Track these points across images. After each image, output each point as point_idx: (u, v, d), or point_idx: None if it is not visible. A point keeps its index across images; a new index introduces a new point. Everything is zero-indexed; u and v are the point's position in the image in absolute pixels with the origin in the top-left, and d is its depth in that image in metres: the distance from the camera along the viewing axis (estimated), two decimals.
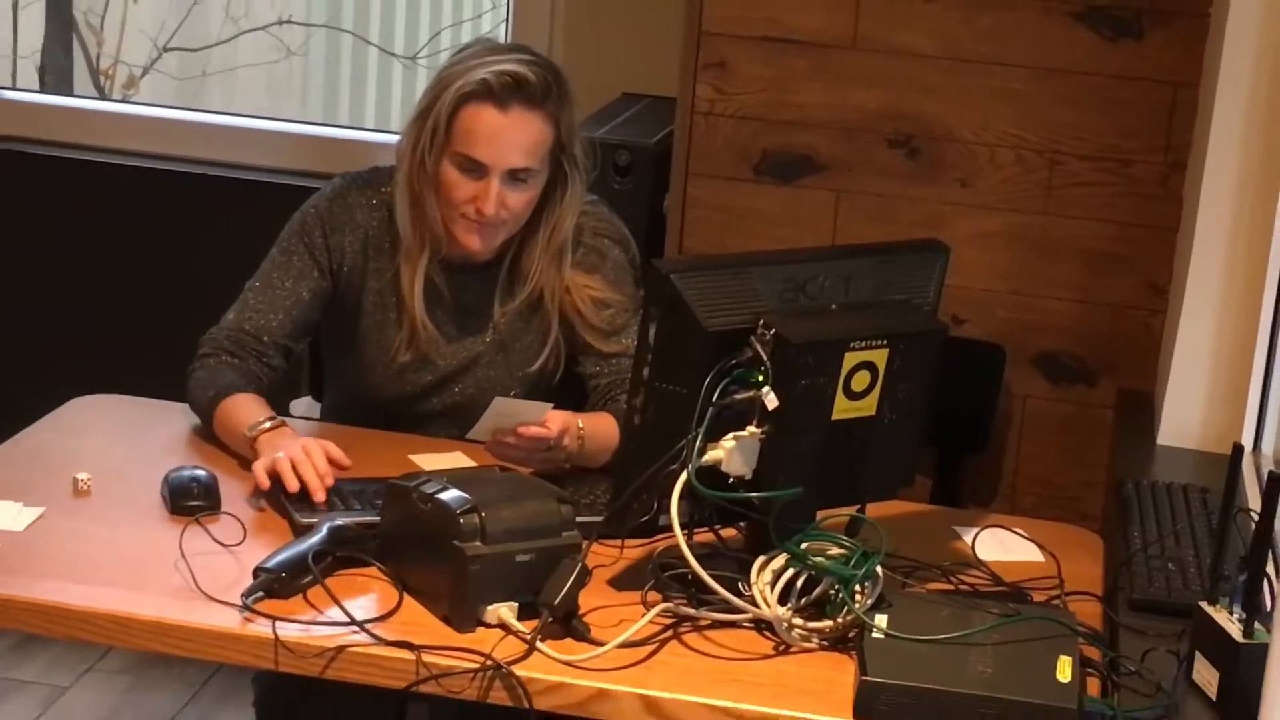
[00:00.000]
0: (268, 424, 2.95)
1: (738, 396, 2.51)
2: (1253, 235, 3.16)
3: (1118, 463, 3.23)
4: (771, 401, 2.50)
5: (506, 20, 4.29)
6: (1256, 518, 2.43)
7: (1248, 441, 3.01)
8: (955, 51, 3.43)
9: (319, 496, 2.77)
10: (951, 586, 2.71)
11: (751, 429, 2.52)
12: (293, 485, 2.77)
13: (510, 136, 3.00)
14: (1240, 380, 3.15)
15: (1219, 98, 3.18)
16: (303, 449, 2.83)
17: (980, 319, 3.43)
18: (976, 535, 2.88)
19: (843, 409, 2.58)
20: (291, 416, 3.22)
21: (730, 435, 2.52)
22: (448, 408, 3.16)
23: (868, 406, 2.60)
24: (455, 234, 3.05)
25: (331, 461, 2.82)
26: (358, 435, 3.04)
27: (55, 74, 5.26)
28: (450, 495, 2.54)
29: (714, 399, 2.51)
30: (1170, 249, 3.41)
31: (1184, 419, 3.23)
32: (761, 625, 2.54)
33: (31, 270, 4.38)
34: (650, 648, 2.49)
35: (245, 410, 3.00)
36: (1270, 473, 2.40)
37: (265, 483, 2.79)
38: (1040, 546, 2.85)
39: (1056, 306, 3.51)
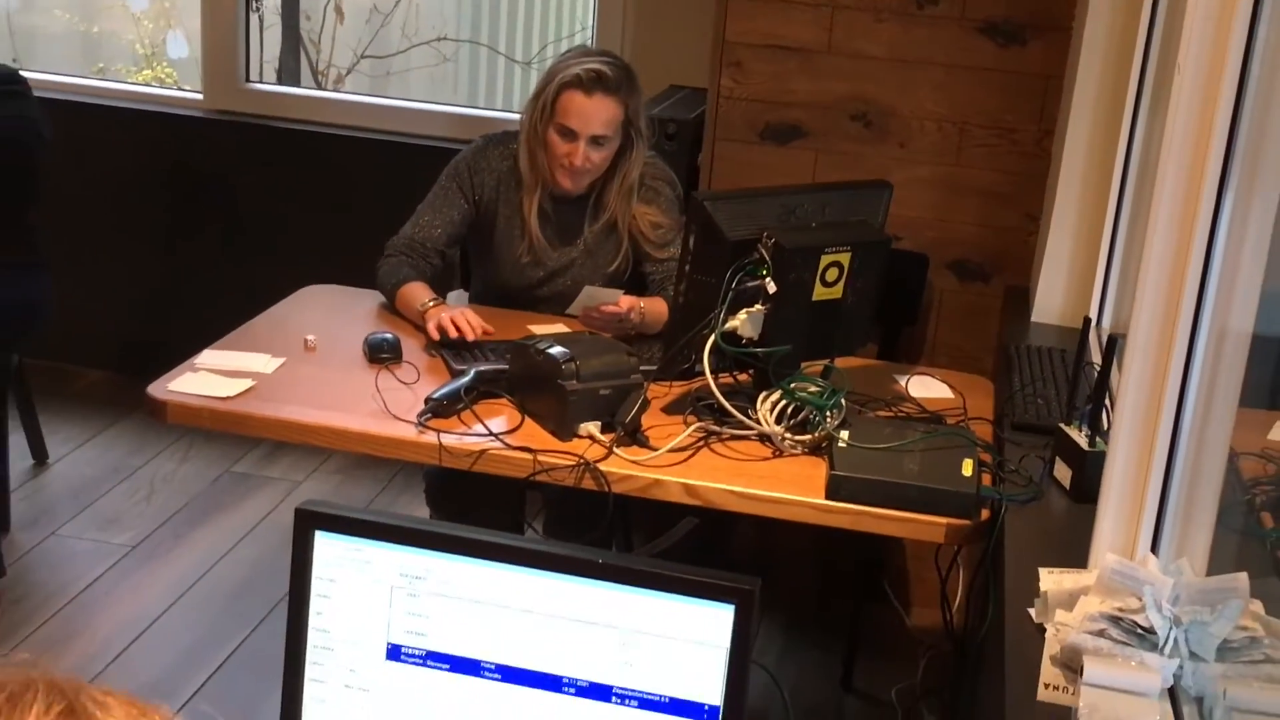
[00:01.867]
0: (432, 302, 2.96)
1: (749, 284, 2.50)
2: (1098, 181, 3.13)
3: (1004, 333, 3.21)
4: (771, 288, 2.49)
5: (593, 35, 4.27)
6: (1098, 368, 2.42)
7: (1094, 317, 2.98)
8: (898, 55, 3.39)
9: (471, 337, 2.79)
10: (891, 414, 2.70)
11: (758, 306, 2.51)
12: (453, 335, 2.80)
13: (593, 113, 2.98)
14: (1088, 277, 3.12)
15: (1077, 86, 3.15)
16: (459, 311, 2.86)
17: (912, 237, 3.40)
18: (908, 380, 2.86)
19: (819, 293, 2.56)
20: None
21: (744, 310, 2.51)
22: (553, 294, 3.15)
23: (837, 292, 2.58)
24: (556, 177, 3.04)
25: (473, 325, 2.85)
26: (493, 313, 3.04)
27: (288, 72, 5.24)
28: (556, 350, 2.54)
29: (733, 286, 2.50)
30: (1041, 190, 3.37)
31: (1050, 304, 3.21)
32: (763, 438, 2.54)
33: (272, 209, 4.39)
34: (689, 452, 2.50)
35: (417, 293, 3.00)
36: (1109, 337, 2.38)
37: (436, 335, 2.82)
38: (951, 388, 2.84)
39: (964, 229, 3.47)
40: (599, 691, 1.32)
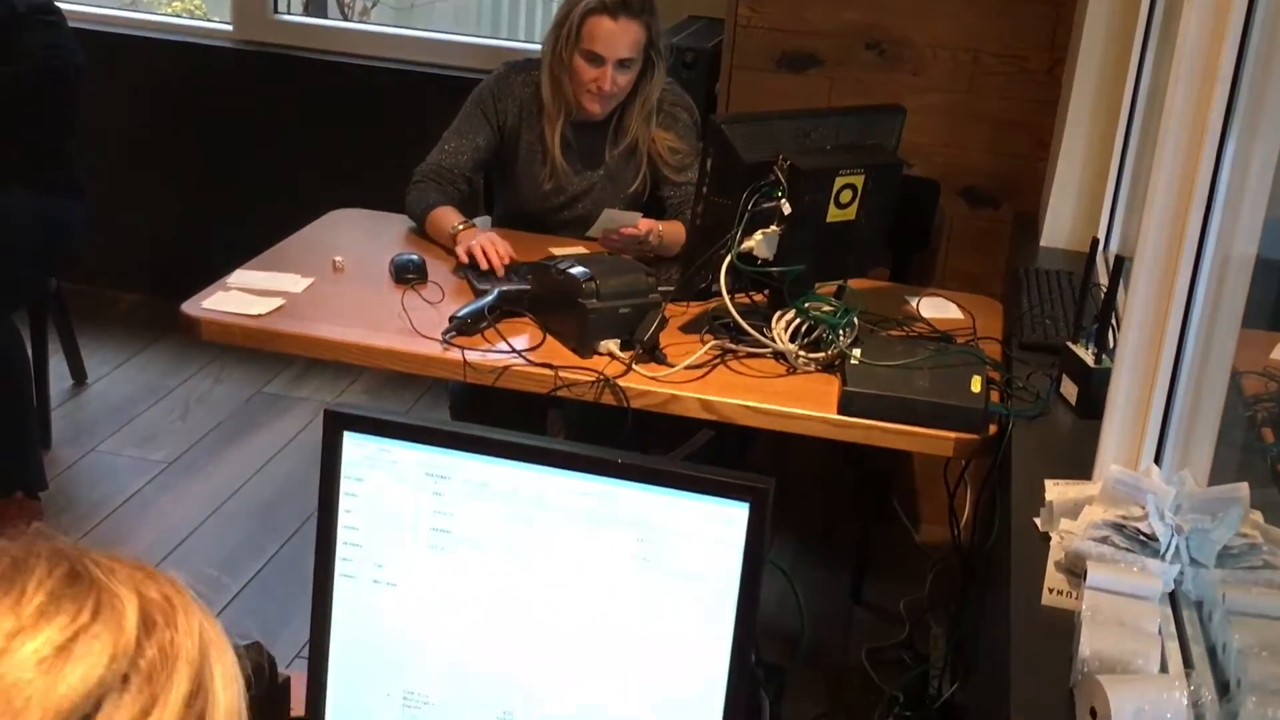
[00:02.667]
0: (461, 225, 2.95)
1: (764, 205, 2.48)
2: (1107, 108, 3.09)
3: (1013, 257, 3.19)
4: (786, 209, 2.47)
5: None
6: (1105, 288, 2.41)
7: (1101, 239, 2.96)
8: None
9: (500, 269, 2.78)
10: (903, 333, 2.69)
11: (773, 227, 2.50)
12: (484, 264, 2.79)
13: (619, 37, 2.95)
14: (1096, 202, 3.09)
15: (1088, 14, 3.10)
16: (488, 238, 2.84)
17: (925, 164, 3.36)
18: (919, 301, 2.85)
19: (833, 215, 2.54)
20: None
21: (759, 231, 2.49)
22: (574, 218, 3.14)
23: (850, 213, 2.56)
24: (583, 103, 3.01)
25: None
26: (515, 236, 3.03)
27: (315, 5, 5.20)
28: (577, 270, 2.54)
29: (749, 207, 2.48)
30: (1052, 117, 3.33)
31: (1058, 229, 3.18)
32: (778, 355, 2.54)
33: (300, 137, 4.37)
34: (705, 369, 2.50)
35: (447, 217, 2.99)
36: (1116, 258, 2.37)
37: (465, 260, 2.81)
38: (961, 308, 2.83)
39: (975, 156, 3.44)
40: (618, 584, 1.33)
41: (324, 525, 1.38)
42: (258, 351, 4.08)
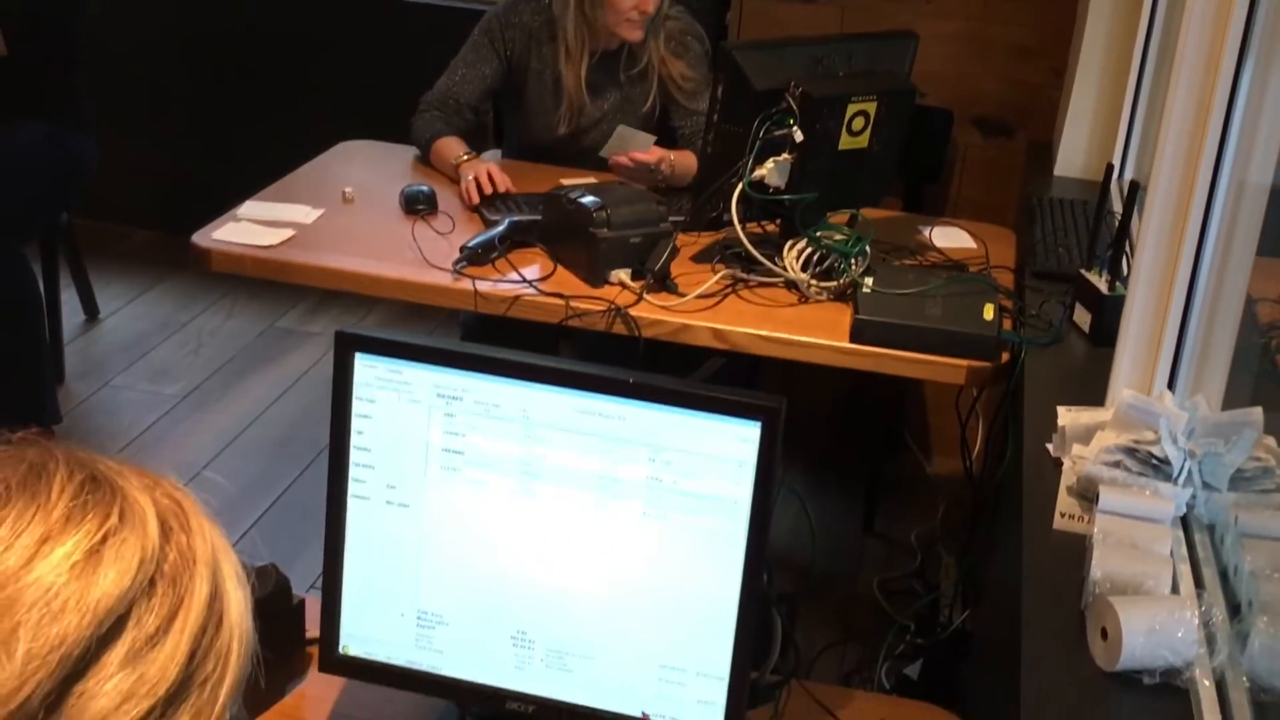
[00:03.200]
0: (466, 156, 2.94)
1: (776, 133, 2.47)
2: (1123, 35, 3.06)
3: (1027, 186, 3.17)
4: (798, 136, 2.45)
5: None
6: (1119, 215, 2.39)
7: (1116, 165, 2.93)
8: None
9: (494, 190, 2.77)
10: (915, 262, 2.68)
11: (785, 155, 2.48)
12: (489, 190, 2.77)
13: None
14: (1111, 131, 3.06)
15: None
16: (489, 168, 2.83)
17: (937, 93, 3.33)
18: (932, 230, 2.83)
19: (845, 143, 2.52)
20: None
21: (771, 159, 2.47)
22: (585, 148, 3.11)
23: (862, 141, 2.54)
24: (622, 32, 2.96)
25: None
26: (526, 168, 3.01)
27: None
28: (587, 199, 2.52)
29: (760, 135, 2.46)
30: (1066, 44, 3.29)
31: (1073, 158, 3.15)
32: (790, 284, 2.53)
33: (310, 68, 4.34)
34: (717, 299, 2.49)
35: (451, 147, 2.97)
36: (1131, 182, 2.35)
37: (472, 191, 2.80)
38: (974, 237, 2.81)
39: (988, 85, 3.41)
40: (630, 505, 1.33)
41: (336, 447, 1.38)
42: (270, 286, 4.08)
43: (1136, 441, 1.81)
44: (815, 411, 3.51)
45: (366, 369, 1.35)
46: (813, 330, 2.40)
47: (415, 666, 1.42)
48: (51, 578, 0.67)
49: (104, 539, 0.70)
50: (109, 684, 0.67)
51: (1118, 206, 2.59)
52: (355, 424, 1.37)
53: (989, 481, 2.83)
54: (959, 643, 2.71)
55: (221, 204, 2.80)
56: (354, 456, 1.38)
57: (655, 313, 2.42)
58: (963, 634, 2.72)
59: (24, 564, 0.67)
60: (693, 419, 1.29)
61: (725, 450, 1.29)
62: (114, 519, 0.71)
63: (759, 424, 1.28)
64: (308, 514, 3.22)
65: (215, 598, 0.73)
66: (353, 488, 1.39)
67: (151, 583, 0.70)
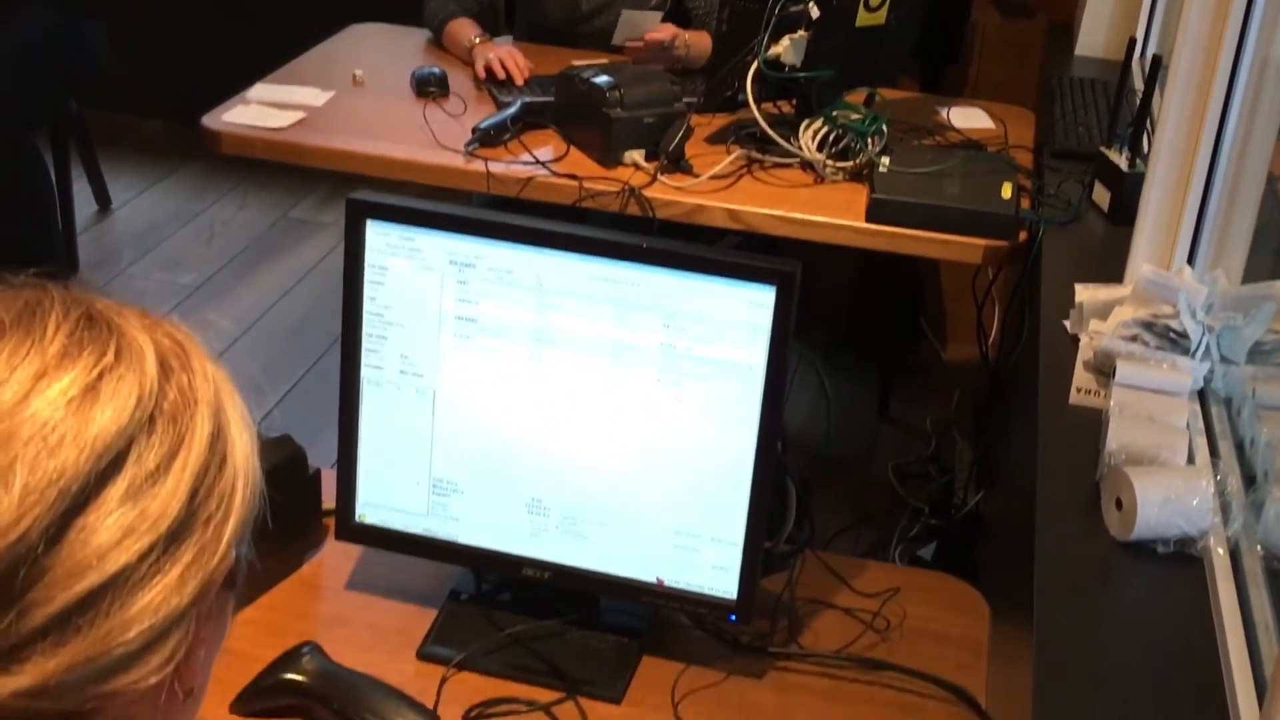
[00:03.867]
0: (479, 38, 2.90)
1: (792, 9, 2.42)
2: None
3: (1046, 67, 3.12)
4: (815, 12, 2.41)
5: None
6: (1140, 94, 2.36)
7: (1139, 41, 2.88)
8: None
9: (519, 80, 2.74)
10: (933, 142, 2.65)
11: (801, 32, 2.44)
12: (501, 75, 2.74)
13: None
14: (1133, 8, 3.01)
15: None
16: (506, 51, 2.80)
17: None
18: (950, 110, 2.80)
19: (863, 19, 2.48)
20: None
21: (787, 36, 2.43)
22: (595, 30, 3.06)
23: (879, 17, 2.50)
24: None
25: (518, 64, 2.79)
26: (538, 50, 2.97)
27: None
28: (601, 79, 2.49)
29: (776, 11, 2.42)
30: None
31: (1093, 37, 3.10)
32: (806, 165, 2.50)
33: None
34: (732, 179, 2.46)
35: (464, 29, 2.94)
36: (1154, 57, 2.31)
37: (483, 75, 2.76)
38: (992, 117, 2.77)
39: None
40: (645, 371, 1.32)
41: (349, 317, 1.38)
42: (282, 177, 4.07)
43: (1155, 315, 1.80)
44: (832, 300, 3.50)
45: (379, 236, 1.35)
46: (829, 210, 2.38)
47: (431, 534, 1.43)
48: (48, 413, 0.67)
49: (100, 376, 0.70)
50: (110, 519, 0.67)
51: (1139, 84, 2.56)
52: (368, 291, 1.36)
53: (1005, 365, 2.83)
54: (973, 525, 2.73)
55: (232, 93, 2.77)
56: (367, 326, 1.37)
57: (669, 194, 2.40)
58: (977, 516, 2.74)
59: (20, 399, 0.67)
60: (707, 284, 1.28)
61: (740, 315, 1.28)
62: (110, 356, 0.71)
63: (774, 289, 1.27)
64: (322, 403, 3.21)
65: (218, 438, 0.73)
66: (366, 357, 1.39)
67: (151, 420, 0.70)
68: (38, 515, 0.66)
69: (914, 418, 3.35)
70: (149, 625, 0.68)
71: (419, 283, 1.35)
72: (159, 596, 0.69)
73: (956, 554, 2.66)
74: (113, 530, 0.67)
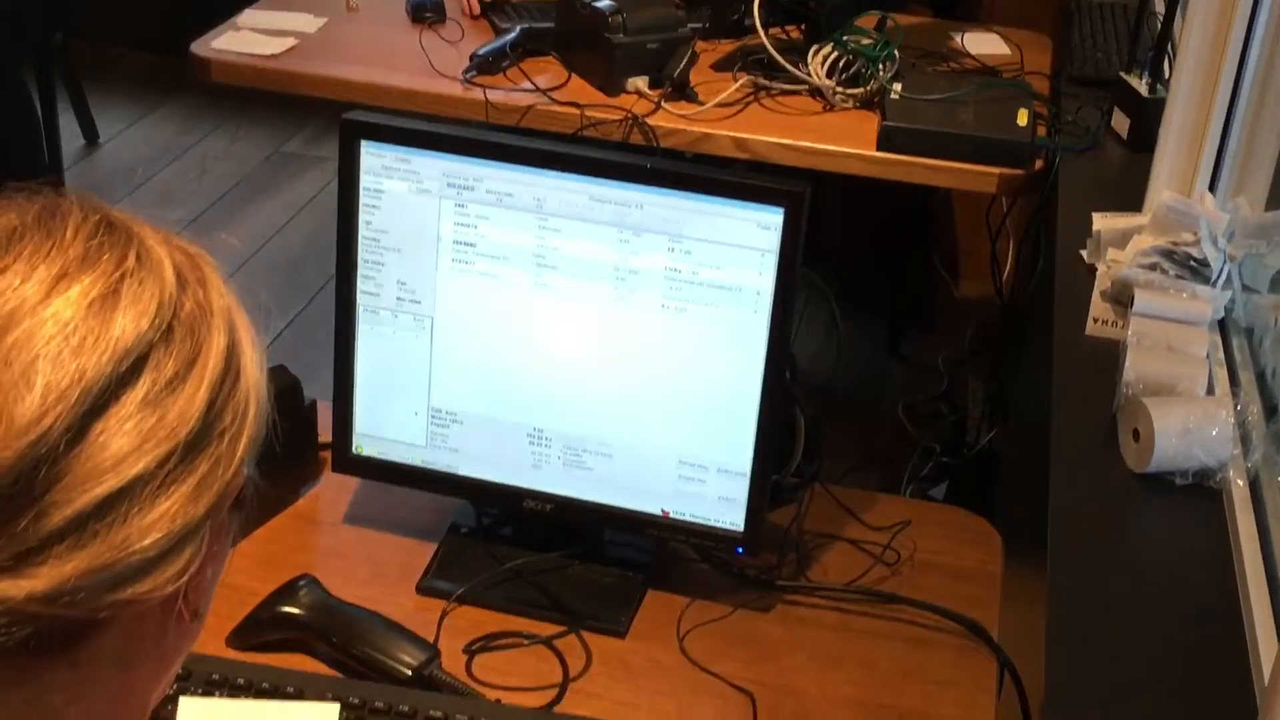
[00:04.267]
0: None
1: None
2: None
3: None
4: None
5: None
6: (1161, 16, 2.33)
7: None
8: None
9: None
10: (946, 68, 2.62)
11: None
12: None
13: None
14: None
15: None
16: None
17: None
18: (964, 36, 2.77)
19: None
20: None
21: None
22: None
23: None
24: None
25: None
26: None
27: None
28: (603, 3, 2.46)
29: None
30: None
31: None
32: (814, 92, 2.47)
33: None
34: (738, 107, 2.44)
35: None
36: None
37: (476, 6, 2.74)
38: (1008, 43, 2.74)
39: None
40: (649, 297, 1.31)
41: (344, 243, 1.37)
42: (274, 110, 4.04)
43: (1175, 243, 1.79)
44: (840, 236, 3.48)
45: (373, 158, 1.33)
46: (839, 139, 2.36)
47: (430, 465, 1.43)
48: (70, 313, 0.68)
49: (122, 278, 0.70)
50: (129, 424, 0.68)
51: (1160, 6, 2.53)
52: (363, 216, 1.35)
53: (1019, 300, 2.82)
54: (986, 463, 2.73)
55: (223, 23, 2.74)
56: (362, 251, 1.36)
57: (674, 122, 2.38)
58: (990, 454, 2.74)
59: (41, 299, 0.68)
60: (713, 206, 1.27)
61: (747, 238, 1.27)
62: (131, 261, 0.71)
63: (782, 211, 1.26)
64: (318, 341, 3.22)
65: (232, 351, 0.74)
66: (362, 284, 1.38)
67: (169, 328, 0.71)
68: (59, 414, 0.66)
69: (925, 356, 3.34)
70: (165, 533, 0.69)
71: (416, 206, 1.34)
72: (175, 505, 0.69)
73: (969, 493, 2.66)
74: (132, 436, 0.68)
